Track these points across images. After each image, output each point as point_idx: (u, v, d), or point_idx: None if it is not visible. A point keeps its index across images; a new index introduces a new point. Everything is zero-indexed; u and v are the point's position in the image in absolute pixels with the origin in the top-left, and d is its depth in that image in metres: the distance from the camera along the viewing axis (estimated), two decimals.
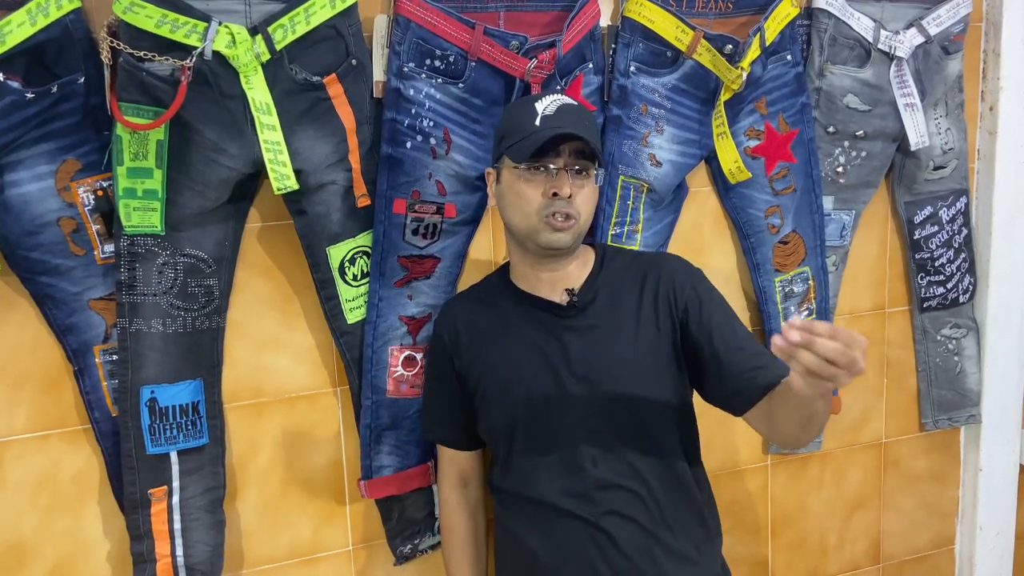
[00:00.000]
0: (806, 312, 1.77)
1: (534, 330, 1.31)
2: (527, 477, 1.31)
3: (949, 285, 1.92)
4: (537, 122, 1.23)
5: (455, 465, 1.47)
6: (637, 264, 1.36)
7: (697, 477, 1.36)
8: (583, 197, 1.26)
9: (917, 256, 1.89)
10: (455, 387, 1.38)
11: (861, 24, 1.67)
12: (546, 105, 1.25)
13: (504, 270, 1.40)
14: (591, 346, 1.29)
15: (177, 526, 1.39)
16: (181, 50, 1.23)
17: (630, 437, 1.27)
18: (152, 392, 1.35)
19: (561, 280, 1.32)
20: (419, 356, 1.50)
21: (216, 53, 1.24)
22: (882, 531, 2.02)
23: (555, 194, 1.23)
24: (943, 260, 1.90)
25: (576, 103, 1.30)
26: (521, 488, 1.32)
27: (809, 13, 1.66)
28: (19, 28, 1.18)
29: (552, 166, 1.24)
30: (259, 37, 1.26)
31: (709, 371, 1.29)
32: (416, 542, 1.57)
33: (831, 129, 1.72)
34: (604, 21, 1.54)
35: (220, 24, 1.24)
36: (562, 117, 1.24)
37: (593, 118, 1.30)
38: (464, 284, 1.55)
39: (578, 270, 1.34)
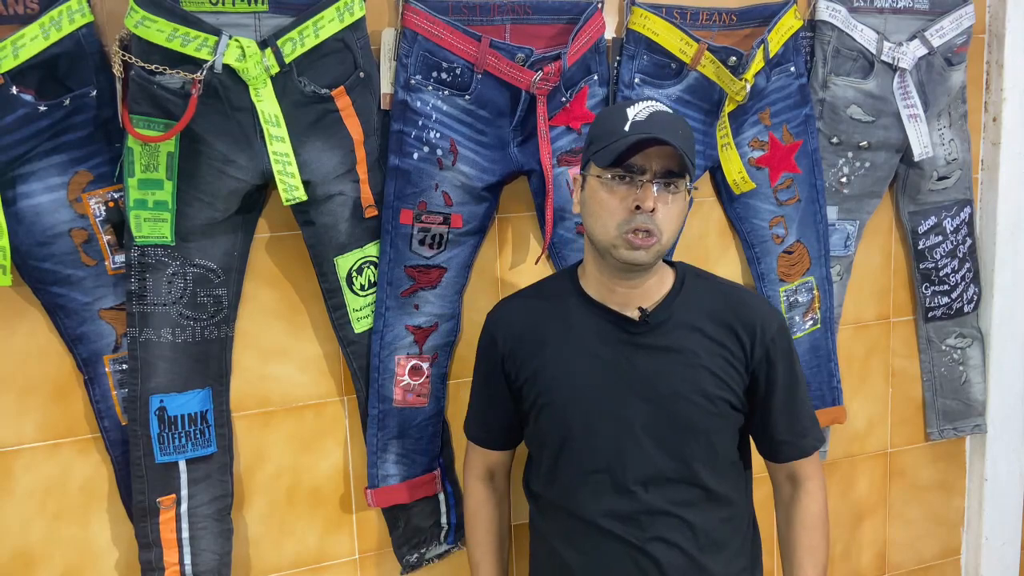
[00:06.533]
0: (810, 322, 1.77)
1: (600, 341, 1.25)
2: (573, 491, 1.26)
3: (954, 295, 1.93)
4: (627, 127, 1.17)
5: (484, 459, 1.42)
6: (721, 295, 1.30)
7: (746, 512, 1.34)
8: (667, 213, 1.19)
9: (921, 266, 1.90)
10: (502, 389, 1.33)
11: (864, 36, 1.68)
12: (638, 111, 1.19)
13: (572, 273, 1.34)
14: (659, 367, 1.24)
15: (185, 534, 1.40)
16: (192, 63, 1.25)
17: (685, 467, 1.23)
18: (161, 401, 1.36)
19: (636, 295, 1.26)
20: (425, 365, 1.51)
21: (226, 66, 1.26)
22: (888, 541, 2.02)
23: (638, 207, 1.17)
24: (947, 270, 1.91)
25: (671, 111, 1.23)
26: (565, 501, 1.27)
27: (812, 25, 1.67)
28: (32, 41, 1.20)
29: (638, 176, 1.18)
30: (268, 50, 1.28)
31: (754, 419, 1.31)
32: (423, 551, 1.57)
33: (835, 140, 1.73)
34: (609, 33, 1.55)
35: (230, 38, 1.25)
36: (653, 123, 1.17)
37: (688, 127, 1.23)
38: (470, 294, 1.56)
39: (654, 287, 1.27)
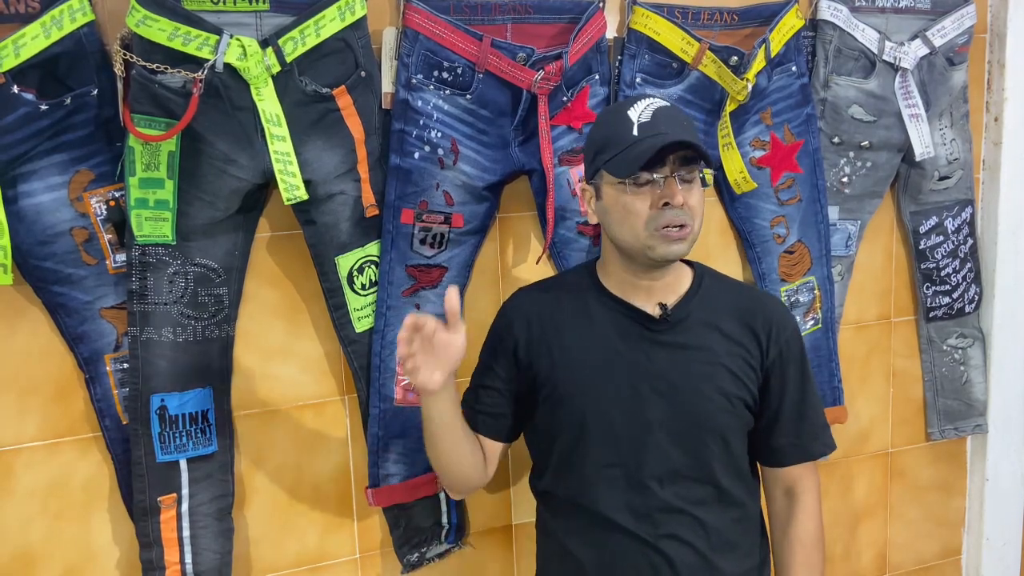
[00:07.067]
0: (811, 322, 1.77)
1: (619, 337, 1.25)
2: (587, 485, 1.25)
3: (955, 295, 1.93)
4: (635, 131, 1.17)
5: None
6: (738, 295, 1.32)
7: (756, 513, 1.34)
8: (694, 201, 1.20)
9: (923, 266, 1.90)
10: (505, 374, 1.31)
11: (866, 36, 1.68)
12: (640, 112, 1.19)
13: (590, 268, 1.33)
14: (677, 365, 1.24)
15: (186, 533, 1.40)
16: (193, 62, 1.25)
17: (700, 465, 1.24)
18: (162, 400, 1.36)
19: (658, 291, 1.26)
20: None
21: (227, 65, 1.26)
22: (888, 541, 2.02)
23: (666, 204, 1.17)
24: (949, 270, 1.91)
25: (670, 104, 1.23)
26: (578, 496, 1.26)
27: (814, 25, 1.67)
28: (33, 41, 1.20)
29: (659, 176, 1.18)
30: (270, 49, 1.28)
31: (762, 420, 1.31)
32: (423, 550, 1.57)
33: (836, 139, 1.73)
34: (610, 33, 1.55)
35: (231, 37, 1.25)
36: (660, 122, 1.17)
37: (690, 119, 1.24)
38: (471, 294, 1.56)
39: (673, 284, 1.28)
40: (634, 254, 1.23)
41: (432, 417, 1.24)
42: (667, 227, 1.18)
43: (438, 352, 1.15)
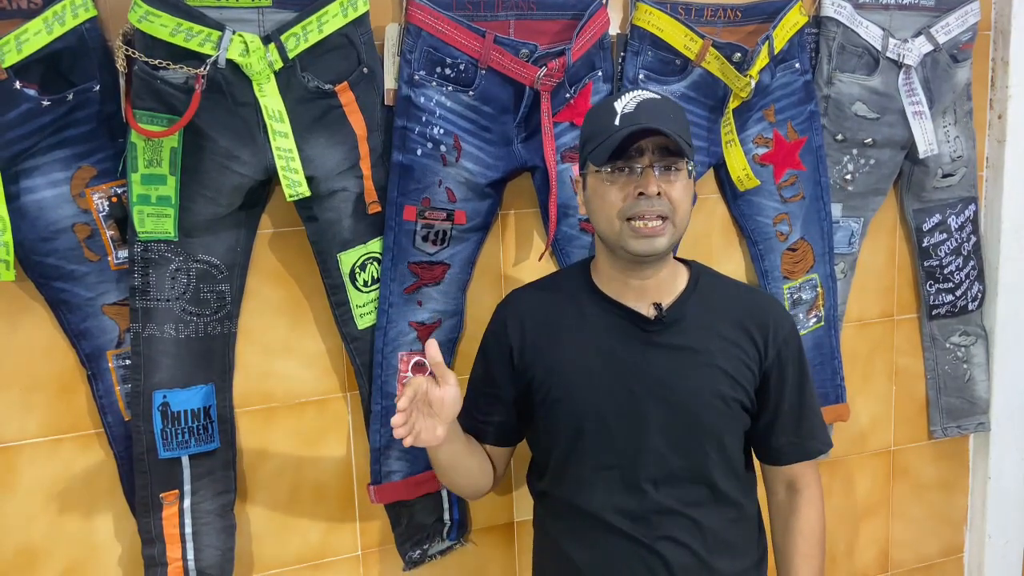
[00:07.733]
0: (814, 319, 1.77)
1: (614, 338, 1.24)
2: (583, 487, 1.25)
3: (958, 293, 1.92)
4: (617, 121, 1.17)
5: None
6: (736, 295, 1.31)
7: (753, 512, 1.34)
8: (674, 195, 1.18)
9: (926, 263, 1.90)
10: (503, 379, 1.30)
11: (870, 32, 1.68)
12: (625, 103, 1.19)
13: (584, 268, 1.33)
14: (674, 366, 1.23)
15: (188, 530, 1.40)
16: (195, 58, 1.25)
17: (695, 467, 1.23)
18: (164, 397, 1.36)
19: (650, 290, 1.25)
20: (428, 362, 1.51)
21: (229, 61, 1.26)
22: (891, 539, 2.02)
23: (641, 193, 1.16)
24: (952, 268, 1.91)
25: (660, 96, 1.22)
26: (574, 498, 1.26)
27: (817, 21, 1.67)
28: (36, 36, 1.20)
29: (637, 165, 1.17)
30: (272, 45, 1.28)
31: (761, 420, 1.30)
32: (425, 547, 1.57)
33: (839, 137, 1.72)
34: (613, 29, 1.55)
35: (234, 33, 1.25)
36: (642, 112, 1.17)
37: (680, 109, 1.24)
38: (474, 291, 1.56)
39: (668, 283, 1.27)
40: (613, 247, 1.22)
41: (440, 459, 1.25)
42: (641, 219, 1.17)
43: (435, 409, 1.15)
